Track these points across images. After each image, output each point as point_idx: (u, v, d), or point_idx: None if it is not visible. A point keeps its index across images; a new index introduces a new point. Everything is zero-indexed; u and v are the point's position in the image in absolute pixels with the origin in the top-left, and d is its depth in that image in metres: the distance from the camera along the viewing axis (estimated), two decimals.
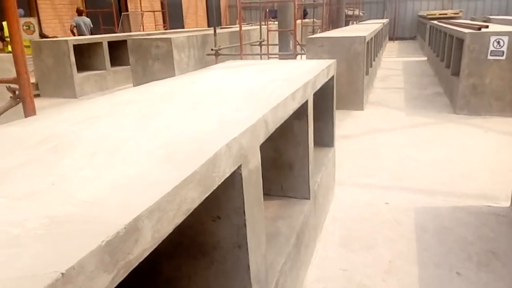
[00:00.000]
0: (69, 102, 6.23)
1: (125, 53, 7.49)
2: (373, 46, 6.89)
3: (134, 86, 6.36)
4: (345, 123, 4.61)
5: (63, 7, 10.69)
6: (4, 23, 7.57)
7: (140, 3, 13.59)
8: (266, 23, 8.72)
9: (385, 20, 13.07)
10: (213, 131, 1.16)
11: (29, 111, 1.63)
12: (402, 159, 3.47)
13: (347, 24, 11.95)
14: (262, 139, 1.32)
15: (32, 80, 6.71)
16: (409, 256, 2.09)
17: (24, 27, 7.10)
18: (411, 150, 3.69)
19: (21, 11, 7.37)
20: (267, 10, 9.37)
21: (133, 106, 1.60)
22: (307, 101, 1.99)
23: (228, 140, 1.04)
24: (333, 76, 2.75)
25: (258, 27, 8.63)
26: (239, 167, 1.11)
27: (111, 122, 1.35)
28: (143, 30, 12.69)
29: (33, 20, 7.07)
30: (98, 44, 7.21)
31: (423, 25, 13.25)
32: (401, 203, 2.68)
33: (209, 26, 17.47)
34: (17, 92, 1.71)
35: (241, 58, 6.61)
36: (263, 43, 8.11)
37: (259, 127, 1.29)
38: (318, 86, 2.28)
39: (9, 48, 7.71)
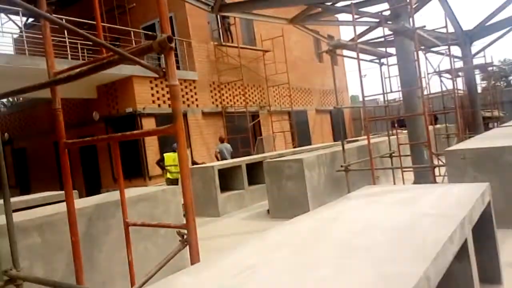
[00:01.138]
0: (214, 221, 6.80)
1: (260, 172, 8.12)
2: None
3: (269, 204, 6.69)
4: (509, 246, 3.92)
5: (209, 136, 12.52)
6: (165, 155, 9.14)
7: (272, 127, 15.08)
8: (395, 133, 8.61)
9: None
10: None
11: (194, 256, 1.84)
12: None
13: (486, 127, 11.02)
14: None
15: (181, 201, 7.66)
16: None
17: None
18: None
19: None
20: (395, 120, 9.35)
21: (284, 252, 1.66)
22: (466, 240, 1.80)
23: None
24: (489, 202, 2.47)
25: (386, 138, 8.58)
26: None
27: (268, 274, 1.42)
28: (275, 150, 13.79)
29: (187, 151, 8.37)
30: (238, 166, 8.03)
31: None
32: None
33: (334, 139, 18.07)
34: (185, 237, 1.97)
35: (372, 173, 6.51)
36: (393, 154, 7.93)
37: (421, 286, 1.20)
38: (476, 219, 2.06)
39: (167, 175, 9.17)
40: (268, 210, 6.69)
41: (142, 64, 2.09)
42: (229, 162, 8.54)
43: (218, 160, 10.41)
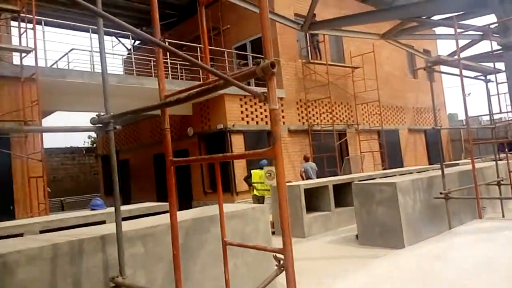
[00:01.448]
0: (299, 242, 6.72)
1: (348, 194, 7.83)
2: None
3: (358, 229, 6.39)
4: None
5: (295, 154, 12.53)
6: (252, 171, 9.34)
7: (360, 146, 14.57)
8: (504, 157, 7.70)
9: None
10: None
11: (291, 283, 1.81)
12: None
13: None
14: None
15: (270, 219, 7.70)
16: None
17: (267, 174, 8.53)
18: None
19: (265, 161, 8.98)
20: (505, 143, 8.35)
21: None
22: None
23: None
24: None
25: (493, 163, 7.70)
26: None
27: None
28: (363, 171, 13.26)
29: (274, 169, 8.44)
30: (324, 187, 7.86)
31: None
32: None
33: (429, 162, 16.81)
34: (281, 262, 1.95)
35: (477, 203, 5.87)
36: (502, 182, 7.08)
37: None
38: None
39: (254, 192, 9.34)
40: (356, 236, 6.40)
41: (246, 89, 2.17)
42: (315, 181, 8.42)
43: (303, 179, 10.33)
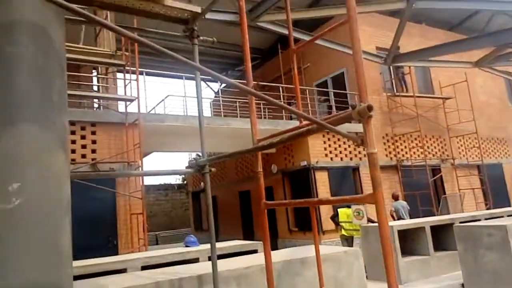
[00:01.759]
0: None
1: (448, 236, 7.11)
2: None
3: (463, 276, 5.72)
4: None
5: (384, 191, 11.81)
6: (339, 210, 9.03)
7: (457, 183, 13.32)
8: None
9: None
10: None
11: None
12: None
13: None
14: None
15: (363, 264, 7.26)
16: None
17: (355, 213, 8.18)
18: None
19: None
20: None
21: None
22: None
23: None
24: None
25: None
26: None
27: None
28: (463, 211, 12.04)
29: (362, 208, 8.09)
30: (420, 228, 7.26)
31: None
32: None
33: None
34: None
35: None
36: None
37: None
38: None
39: (342, 232, 8.98)
40: (462, 285, 5.72)
41: (341, 134, 2.15)
42: (410, 222, 7.81)
43: (394, 219, 9.68)
